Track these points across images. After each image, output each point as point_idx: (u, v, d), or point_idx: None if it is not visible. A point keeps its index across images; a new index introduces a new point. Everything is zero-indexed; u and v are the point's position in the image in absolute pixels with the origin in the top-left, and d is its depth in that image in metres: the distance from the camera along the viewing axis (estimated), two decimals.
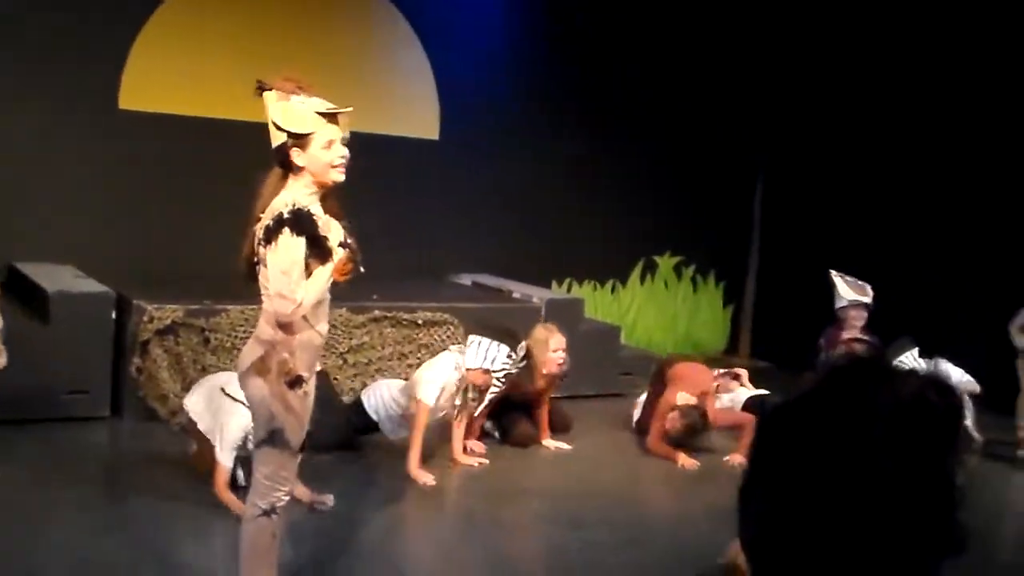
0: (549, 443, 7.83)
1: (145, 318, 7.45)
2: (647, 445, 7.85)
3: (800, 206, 11.90)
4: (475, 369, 6.86)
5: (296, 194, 4.00)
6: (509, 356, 6.93)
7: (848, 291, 8.64)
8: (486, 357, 6.85)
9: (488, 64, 10.65)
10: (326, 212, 4.10)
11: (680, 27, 11.63)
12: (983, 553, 6.09)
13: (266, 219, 3.96)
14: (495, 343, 6.88)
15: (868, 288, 8.70)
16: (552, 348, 7.61)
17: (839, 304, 8.64)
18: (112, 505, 5.93)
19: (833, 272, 8.76)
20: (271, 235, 3.91)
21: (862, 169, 11.25)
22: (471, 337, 7.01)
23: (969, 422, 8.23)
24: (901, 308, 9.29)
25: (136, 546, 5.33)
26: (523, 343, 7.18)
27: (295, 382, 4.03)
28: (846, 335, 8.55)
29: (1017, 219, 9.99)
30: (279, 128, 4.01)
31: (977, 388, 8.19)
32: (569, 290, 11.35)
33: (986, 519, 6.81)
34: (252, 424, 4.35)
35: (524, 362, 7.13)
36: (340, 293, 4.30)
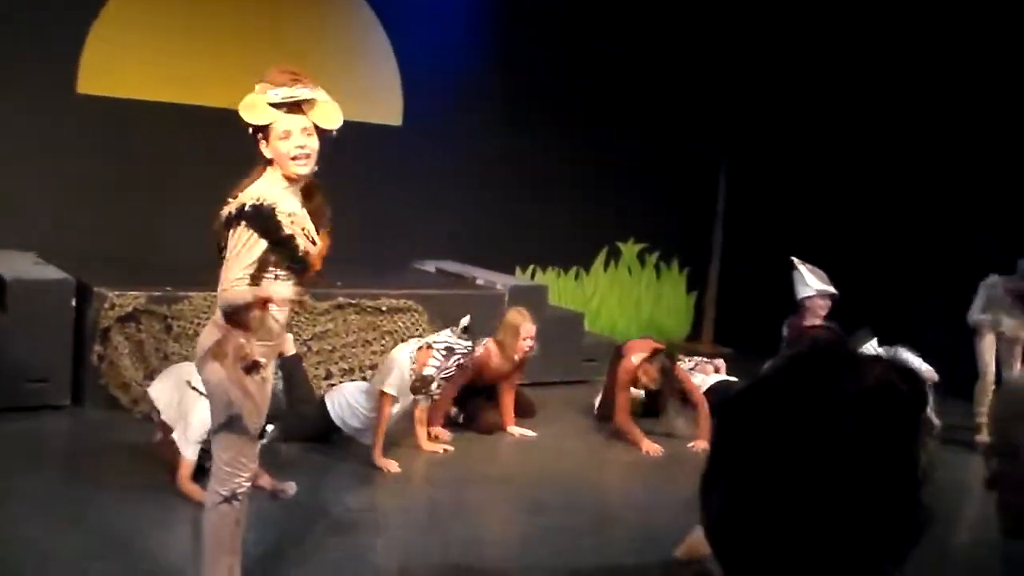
0: (514, 430, 7.84)
1: (106, 305, 7.38)
2: (615, 419, 7.87)
3: (763, 193, 11.97)
4: (421, 349, 6.88)
5: (268, 187, 3.96)
6: (451, 333, 6.95)
7: (815, 280, 8.63)
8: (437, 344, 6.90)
9: (452, 50, 10.62)
10: (309, 206, 4.08)
11: (644, 15, 11.64)
12: (944, 536, 6.16)
13: (232, 205, 3.93)
14: (449, 337, 6.94)
15: (826, 276, 8.73)
16: (523, 335, 7.64)
17: (805, 293, 8.61)
18: (74, 494, 5.87)
19: (797, 260, 8.76)
20: (229, 221, 3.90)
21: (824, 157, 11.32)
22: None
23: (929, 408, 8.31)
24: (861, 295, 9.36)
25: (98, 536, 5.28)
26: (466, 322, 7.10)
27: (252, 367, 4.00)
28: (808, 324, 8.60)
29: (973, 207, 10.09)
30: (242, 118, 3.99)
31: (935, 376, 8.27)
32: (533, 277, 11.36)
33: (946, 502, 6.89)
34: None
35: (471, 340, 7.06)
36: (303, 280, 4.27)
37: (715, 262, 12.67)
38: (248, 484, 4.17)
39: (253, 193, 3.93)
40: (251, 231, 3.86)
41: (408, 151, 10.44)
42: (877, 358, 1.19)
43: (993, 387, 8.46)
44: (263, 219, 3.89)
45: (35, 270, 7.75)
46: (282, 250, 3.93)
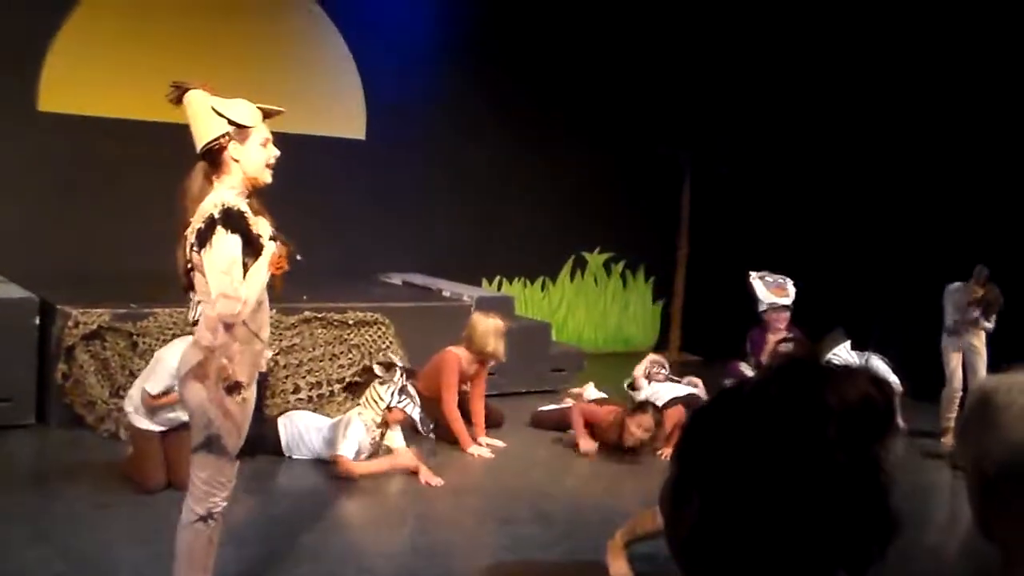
0: (481, 442, 7.81)
1: (70, 323, 7.32)
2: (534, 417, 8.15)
3: (728, 200, 12.04)
4: (389, 411, 7.04)
5: (223, 195, 3.94)
6: (384, 383, 7.11)
7: (767, 294, 8.73)
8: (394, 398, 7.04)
9: (414, 64, 10.63)
10: (255, 212, 4.07)
11: (606, 27, 11.69)
12: (911, 538, 6.21)
13: (196, 223, 3.89)
14: (389, 385, 7.07)
15: (789, 285, 8.78)
16: (503, 332, 7.86)
17: (760, 308, 8.75)
18: (39, 514, 5.82)
19: (753, 274, 8.83)
20: (204, 237, 3.84)
21: (788, 164, 11.41)
22: (374, 391, 7.13)
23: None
24: (826, 301, 9.44)
25: (64, 556, 5.24)
26: (398, 366, 7.24)
27: (233, 388, 3.98)
28: (771, 336, 8.67)
29: (936, 211, 10.19)
30: (220, 116, 3.95)
31: (900, 388, 8.34)
32: (499, 288, 11.38)
33: (913, 505, 6.95)
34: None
35: (394, 368, 7.19)
36: (270, 295, 4.26)
37: (681, 270, 12.73)
38: (224, 504, 4.15)
39: (213, 201, 3.91)
40: (229, 233, 3.84)
41: (372, 164, 10.44)
42: (852, 370, 1.21)
43: (959, 392, 8.53)
44: (235, 220, 3.88)
45: None
46: (250, 250, 3.92)
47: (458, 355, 7.85)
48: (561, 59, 11.46)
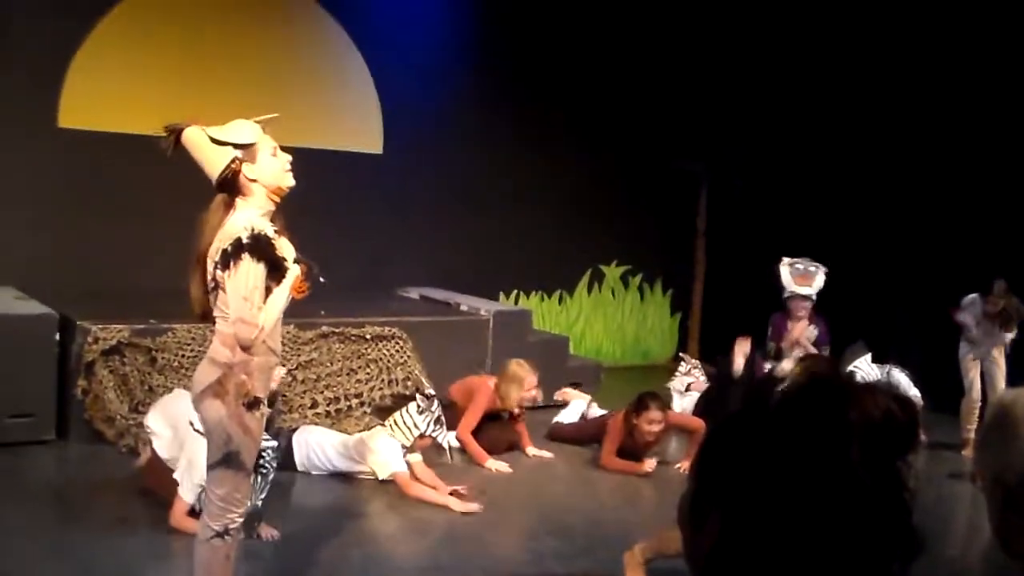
0: (491, 466, 7.76)
1: (89, 339, 7.36)
2: (603, 463, 7.80)
3: (743, 214, 12.01)
4: (429, 436, 7.00)
5: (251, 218, 3.95)
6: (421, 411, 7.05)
7: (790, 282, 8.76)
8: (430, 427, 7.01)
9: (431, 78, 10.65)
10: (277, 230, 4.08)
11: (622, 39, 11.70)
12: (933, 551, 6.17)
13: (223, 243, 3.90)
14: (427, 415, 7.01)
15: (819, 275, 8.77)
16: (527, 387, 7.83)
17: (784, 294, 8.77)
18: (59, 530, 5.84)
19: (784, 260, 8.85)
20: (229, 259, 3.86)
21: (802, 178, 11.38)
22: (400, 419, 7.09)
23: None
24: (844, 311, 9.40)
25: (85, 572, 5.25)
26: (428, 392, 7.27)
27: (253, 404, 3.99)
28: (791, 324, 8.70)
29: (956, 223, 10.15)
30: (223, 143, 3.96)
31: (921, 403, 8.33)
32: (517, 302, 11.37)
33: (934, 519, 6.91)
34: None
35: (431, 401, 7.16)
36: (288, 309, 4.27)
37: (699, 283, 12.70)
38: (241, 519, 4.16)
39: (241, 224, 3.92)
40: (256, 261, 3.86)
41: (390, 178, 10.46)
42: (874, 388, 1.20)
43: (979, 403, 8.49)
44: (262, 246, 3.90)
45: (17, 305, 7.72)
46: (275, 274, 3.94)
47: (491, 390, 7.86)
48: (577, 73, 11.47)
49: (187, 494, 5.75)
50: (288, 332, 7.78)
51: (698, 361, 9.78)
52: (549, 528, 6.41)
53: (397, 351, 8.51)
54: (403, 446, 6.94)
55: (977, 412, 8.44)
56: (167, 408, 6.27)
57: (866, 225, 10.88)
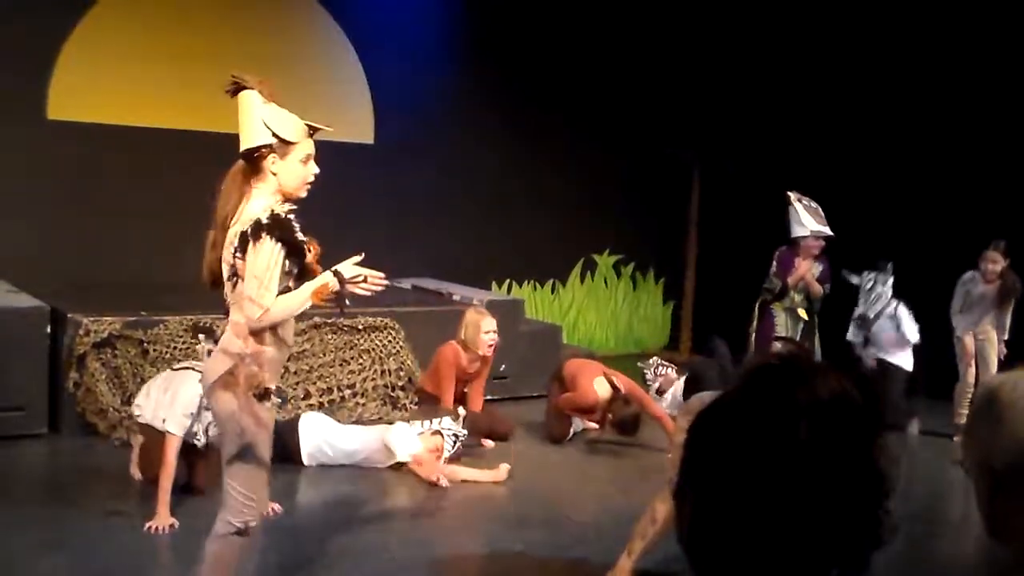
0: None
1: (81, 331, 7.33)
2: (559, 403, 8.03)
3: (736, 201, 12.00)
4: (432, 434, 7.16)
5: (270, 202, 3.93)
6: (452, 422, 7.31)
7: (810, 220, 8.51)
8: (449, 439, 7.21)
9: (422, 68, 10.63)
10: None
11: (611, 28, 11.68)
12: (924, 536, 6.19)
13: (241, 225, 3.87)
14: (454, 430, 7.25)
15: (822, 213, 8.68)
16: (484, 329, 7.86)
17: (799, 232, 8.49)
18: (52, 522, 5.83)
19: (793, 196, 8.67)
20: (248, 240, 3.82)
21: (794, 164, 11.36)
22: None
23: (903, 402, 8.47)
24: (840, 295, 9.39)
25: (77, 564, 5.24)
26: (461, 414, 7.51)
27: (264, 395, 3.95)
28: (799, 260, 8.56)
29: (949, 209, 10.16)
30: (266, 127, 3.93)
31: (916, 338, 8.46)
32: (509, 291, 11.37)
33: (925, 506, 6.93)
34: (203, 393, 4.29)
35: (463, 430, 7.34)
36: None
37: (691, 271, 12.70)
38: (259, 518, 4.13)
39: (259, 207, 3.90)
40: (274, 242, 3.82)
41: (381, 169, 10.44)
42: (831, 369, 1.22)
43: (972, 389, 8.50)
44: (282, 227, 3.87)
45: (8, 298, 7.70)
46: (294, 258, 3.91)
47: (456, 349, 7.89)
48: (568, 61, 11.45)
49: (173, 426, 5.76)
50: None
51: (656, 357, 9.68)
52: (542, 517, 6.41)
53: (390, 341, 8.51)
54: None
55: (969, 398, 8.45)
56: (148, 388, 6.25)
57: (859, 210, 10.87)
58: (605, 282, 12.43)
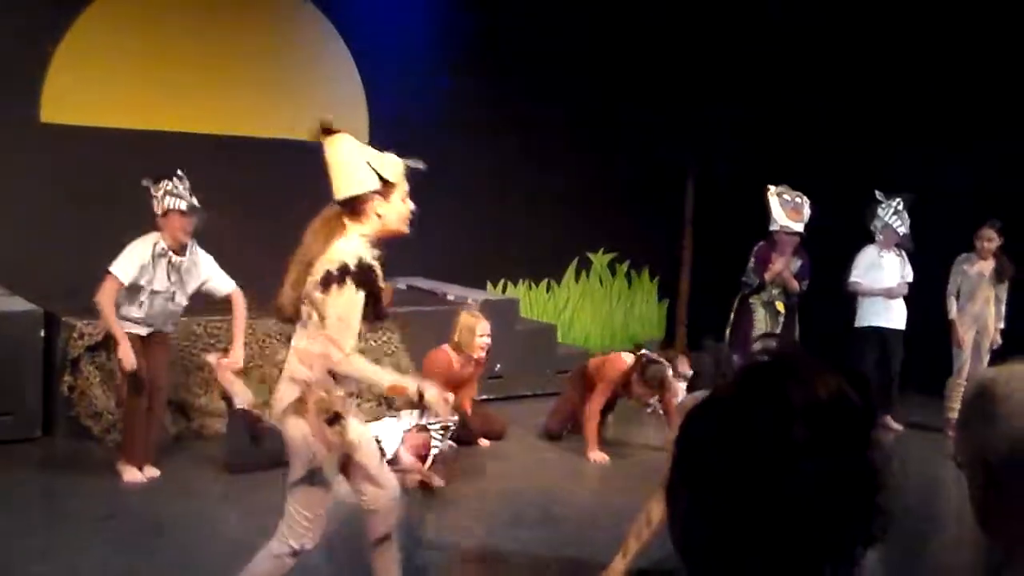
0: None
1: (75, 335, 7.33)
2: (586, 412, 7.90)
3: (730, 200, 11.99)
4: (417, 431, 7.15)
5: (360, 246, 3.98)
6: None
7: (782, 215, 8.60)
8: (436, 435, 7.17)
9: (417, 69, 10.61)
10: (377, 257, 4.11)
11: (606, 29, 11.68)
12: (917, 532, 6.19)
13: (329, 264, 3.92)
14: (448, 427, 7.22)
15: (805, 207, 8.69)
16: (479, 333, 7.81)
17: (772, 227, 8.65)
18: (46, 526, 5.82)
19: (772, 189, 8.72)
20: (332, 281, 3.88)
21: (787, 164, 11.37)
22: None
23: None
24: (830, 297, 9.40)
25: (72, 569, 5.24)
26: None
27: (334, 419, 3.99)
28: (775, 255, 8.62)
29: (938, 207, 10.16)
30: (373, 170, 4.03)
31: (910, 278, 8.69)
32: (504, 290, 11.36)
33: (918, 499, 6.93)
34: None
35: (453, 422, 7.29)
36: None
37: (685, 269, 12.71)
38: (315, 540, 4.17)
39: (350, 251, 3.95)
40: (357, 291, 3.89)
41: None
42: (828, 370, 1.20)
43: (964, 384, 8.51)
44: (368, 277, 3.94)
45: (2, 302, 7.70)
46: (371, 308, 3.99)
47: (448, 356, 7.85)
48: (563, 62, 11.44)
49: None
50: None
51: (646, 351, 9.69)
52: (537, 516, 6.41)
53: (385, 341, 8.51)
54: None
55: (962, 392, 8.46)
56: None
57: (853, 211, 10.87)
58: (600, 281, 12.42)
